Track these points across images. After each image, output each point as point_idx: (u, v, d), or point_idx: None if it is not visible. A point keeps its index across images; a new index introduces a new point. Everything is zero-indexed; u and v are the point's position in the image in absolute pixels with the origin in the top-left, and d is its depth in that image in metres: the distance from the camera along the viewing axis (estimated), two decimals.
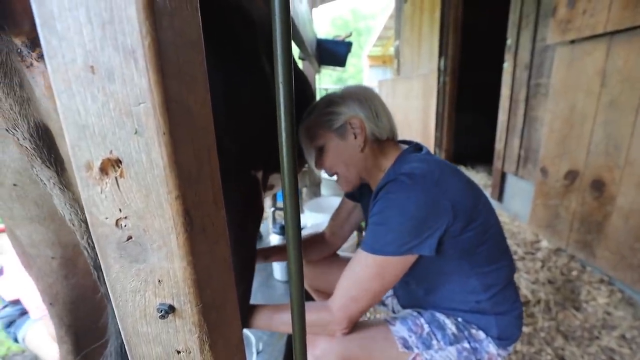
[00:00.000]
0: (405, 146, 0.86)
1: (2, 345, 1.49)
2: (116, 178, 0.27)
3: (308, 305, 0.77)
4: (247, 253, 0.72)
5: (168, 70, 0.26)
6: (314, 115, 0.82)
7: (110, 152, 0.27)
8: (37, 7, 0.24)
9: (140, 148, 0.26)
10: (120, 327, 0.34)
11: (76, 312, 0.58)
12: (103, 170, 0.27)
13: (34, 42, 0.36)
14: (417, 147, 0.85)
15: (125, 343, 0.34)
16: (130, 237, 0.29)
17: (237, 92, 0.59)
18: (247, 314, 0.79)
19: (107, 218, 0.29)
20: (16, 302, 1.16)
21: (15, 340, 1.16)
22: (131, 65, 0.24)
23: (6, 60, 0.34)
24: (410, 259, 0.72)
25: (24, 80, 0.36)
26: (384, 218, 0.70)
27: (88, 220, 0.29)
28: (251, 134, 0.65)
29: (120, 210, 0.28)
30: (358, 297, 0.72)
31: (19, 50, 0.36)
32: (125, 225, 0.29)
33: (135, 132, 0.26)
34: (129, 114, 0.26)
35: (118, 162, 0.27)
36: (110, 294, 0.32)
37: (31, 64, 0.37)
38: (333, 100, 0.80)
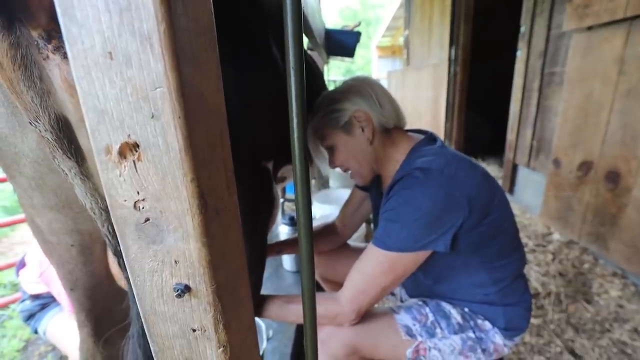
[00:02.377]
0: (419, 136, 0.84)
1: (25, 330, 1.56)
2: (134, 161, 0.28)
3: (317, 296, 0.78)
4: (258, 243, 0.73)
5: (183, 56, 0.27)
6: (318, 115, 0.81)
7: (128, 136, 0.28)
8: None
9: (157, 132, 0.27)
10: (138, 306, 0.35)
11: (94, 298, 0.61)
12: (121, 153, 0.28)
13: (50, 35, 0.36)
14: (431, 138, 0.83)
15: (143, 321, 0.36)
16: (147, 219, 0.30)
17: (246, 82, 0.60)
18: (257, 303, 0.81)
19: (125, 200, 0.30)
20: (37, 297, 1.20)
21: (35, 332, 1.20)
22: (147, 51, 0.25)
23: (26, 54, 0.35)
24: (423, 254, 0.71)
25: (43, 73, 0.37)
26: (398, 214, 0.69)
27: (108, 203, 0.30)
28: (261, 124, 0.65)
29: (138, 192, 0.29)
30: (368, 291, 0.72)
31: (35, 43, 0.37)
32: (143, 208, 0.30)
33: (152, 117, 0.27)
34: (145, 99, 0.26)
35: (136, 146, 0.28)
36: (129, 274, 0.33)
37: (47, 56, 0.38)
38: (334, 97, 0.80)
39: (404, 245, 0.68)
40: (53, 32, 0.36)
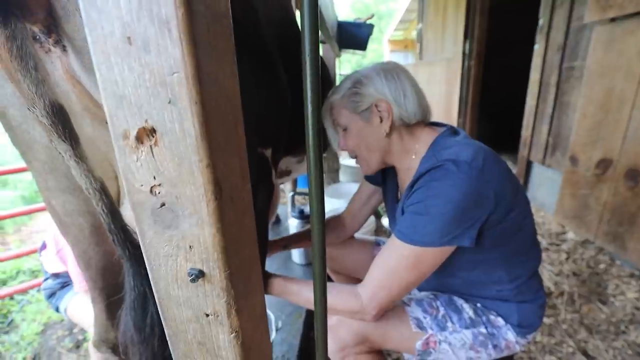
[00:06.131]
0: (440, 129, 0.81)
1: (43, 315, 1.62)
2: (151, 147, 0.29)
3: (337, 289, 0.76)
4: (259, 228, 0.73)
5: (200, 42, 0.27)
6: (339, 94, 0.78)
7: (146, 121, 0.28)
8: None
9: (174, 117, 0.27)
10: (154, 290, 0.36)
11: (107, 276, 0.64)
12: (139, 139, 0.29)
13: (49, 29, 0.39)
14: (452, 130, 0.80)
15: (158, 305, 0.37)
16: (163, 204, 0.31)
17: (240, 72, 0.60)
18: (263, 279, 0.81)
19: (142, 185, 0.30)
20: (57, 275, 1.25)
21: (57, 310, 1.26)
22: (165, 36, 0.25)
23: (21, 45, 0.38)
24: (448, 249, 0.69)
25: (38, 63, 0.40)
26: (427, 207, 0.66)
27: (125, 187, 0.31)
28: (254, 111, 0.65)
29: (154, 177, 0.30)
30: (391, 287, 0.70)
31: (37, 37, 0.40)
32: (159, 193, 0.30)
33: (169, 102, 0.27)
34: (163, 84, 0.27)
35: (153, 131, 0.28)
36: (145, 258, 0.34)
37: (49, 50, 0.40)
38: (359, 79, 0.76)
39: (431, 239, 0.66)
40: (52, 27, 0.38)
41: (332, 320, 0.76)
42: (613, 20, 1.74)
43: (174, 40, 0.25)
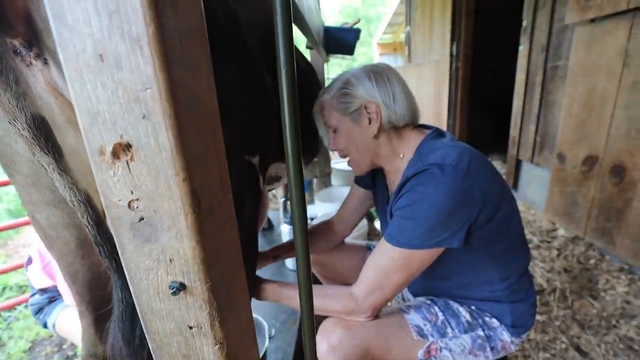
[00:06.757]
0: (426, 131, 0.83)
1: (31, 331, 1.58)
2: (127, 162, 0.29)
3: (331, 290, 0.78)
4: (246, 235, 0.72)
5: (172, 57, 0.27)
6: (329, 95, 0.80)
7: (121, 136, 0.28)
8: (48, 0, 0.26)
9: (149, 132, 0.27)
10: (136, 303, 0.36)
11: (94, 290, 0.63)
12: (115, 154, 0.29)
13: (30, 43, 0.39)
14: (438, 132, 0.81)
15: (141, 319, 0.36)
16: (142, 218, 0.31)
17: (222, 80, 0.59)
18: (253, 284, 0.81)
19: (120, 200, 0.30)
20: (44, 290, 1.22)
21: (44, 326, 1.23)
22: (137, 53, 0.26)
23: (1, 60, 0.38)
24: (437, 251, 0.70)
25: (19, 77, 0.39)
26: (413, 211, 0.68)
27: (103, 203, 0.31)
28: (240, 118, 0.65)
29: (132, 192, 0.30)
30: (383, 287, 0.72)
31: (18, 51, 0.39)
32: (137, 207, 0.30)
33: (143, 117, 0.27)
34: (136, 100, 0.27)
35: (128, 147, 0.28)
36: (125, 273, 0.34)
37: (30, 63, 0.40)
38: (349, 79, 0.77)
39: (419, 242, 0.68)
40: (33, 40, 0.38)
41: (332, 339, 0.74)
42: (593, 21, 1.79)
43: (146, 57, 0.25)
